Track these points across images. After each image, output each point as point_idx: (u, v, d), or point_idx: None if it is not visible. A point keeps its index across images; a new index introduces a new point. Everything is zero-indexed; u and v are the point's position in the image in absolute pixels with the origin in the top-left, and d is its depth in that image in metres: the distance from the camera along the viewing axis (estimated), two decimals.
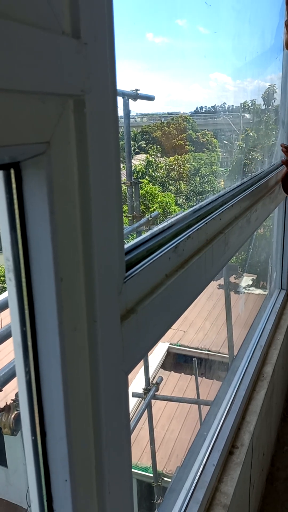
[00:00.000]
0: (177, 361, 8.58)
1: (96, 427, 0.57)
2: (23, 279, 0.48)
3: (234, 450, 1.41)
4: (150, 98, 3.72)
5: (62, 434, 0.52)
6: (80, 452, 0.55)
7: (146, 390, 3.97)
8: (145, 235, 0.81)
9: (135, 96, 3.42)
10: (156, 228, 0.84)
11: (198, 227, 0.96)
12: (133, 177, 3.61)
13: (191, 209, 1.02)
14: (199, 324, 8.88)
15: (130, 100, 3.81)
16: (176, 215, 0.95)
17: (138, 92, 3.47)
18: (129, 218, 3.53)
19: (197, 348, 8.29)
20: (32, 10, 0.39)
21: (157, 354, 8.45)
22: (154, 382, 4.03)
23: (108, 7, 0.52)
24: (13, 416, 2.08)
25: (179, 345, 8.68)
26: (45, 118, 0.43)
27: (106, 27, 0.51)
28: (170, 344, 8.72)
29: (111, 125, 0.54)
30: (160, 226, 0.85)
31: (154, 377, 8.34)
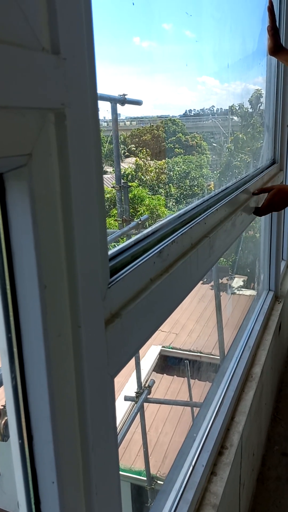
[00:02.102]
0: (169, 364, 8.59)
1: (82, 429, 0.58)
2: (8, 287, 0.49)
3: (224, 451, 1.42)
4: (137, 102, 3.74)
5: (48, 438, 0.54)
6: (66, 454, 0.56)
7: (138, 394, 3.98)
8: (129, 240, 0.82)
9: (123, 101, 3.44)
10: (140, 234, 0.86)
11: (183, 231, 0.98)
12: (122, 181, 3.62)
13: (176, 213, 1.04)
14: (191, 326, 8.91)
15: (118, 104, 3.84)
16: (161, 220, 0.97)
17: (126, 97, 3.49)
18: (119, 221, 3.54)
19: (189, 351, 8.31)
20: (11, 30, 0.40)
21: (149, 357, 8.46)
22: (146, 385, 4.04)
23: (87, 22, 0.54)
24: (3, 422, 2.07)
25: (171, 348, 8.70)
26: (26, 131, 0.45)
27: (85, 42, 0.53)
28: (162, 347, 8.73)
29: (92, 136, 0.56)
30: (144, 232, 0.87)
31: (147, 380, 8.34)
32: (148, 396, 3.99)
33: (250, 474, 1.77)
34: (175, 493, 1.18)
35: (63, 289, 0.53)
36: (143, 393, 3.93)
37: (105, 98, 3.45)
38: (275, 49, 1.86)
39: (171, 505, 1.14)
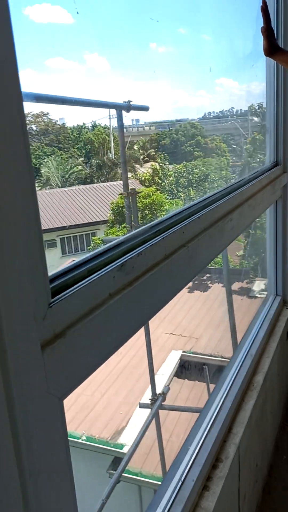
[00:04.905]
0: (190, 369, 8.51)
1: (18, 456, 0.56)
2: None
3: (218, 464, 1.39)
4: (144, 108, 3.73)
5: None
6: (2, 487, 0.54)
7: (153, 401, 3.95)
8: (87, 255, 0.81)
9: (128, 107, 3.44)
10: (102, 247, 0.84)
11: (153, 242, 0.95)
12: (129, 188, 3.62)
13: (149, 224, 1.01)
14: (211, 331, 8.81)
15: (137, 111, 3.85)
16: (127, 233, 0.95)
17: (131, 103, 3.49)
18: (128, 228, 3.53)
19: (211, 355, 8.21)
20: None
21: (169, 362, 8.40)
22: (160, 392, 4.00)
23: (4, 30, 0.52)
24: None
25: (192, 353, 8.62)
26: None
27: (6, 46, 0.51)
28: (183, 352, 8.67)
29: (21, 164, 0.54)
30: (106, 245, 0.85)
31: (168, 386, 8.28)
32: (163, 403, 3.95)
33: (253, 486, 1.72)
34: (161, 508, 1.15)
35: None
36: (157, 400, 3.89)
37: (110, 105, 3.45)
38: (271, 50, 1.82)
39: None
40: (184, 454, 1.34)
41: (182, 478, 1.24)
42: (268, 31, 1.79)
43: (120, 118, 3.52)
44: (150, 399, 4.00)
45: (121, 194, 3.59)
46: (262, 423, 1.82)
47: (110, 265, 0.81)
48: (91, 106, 3.43)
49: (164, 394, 3.99)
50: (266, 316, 2.20)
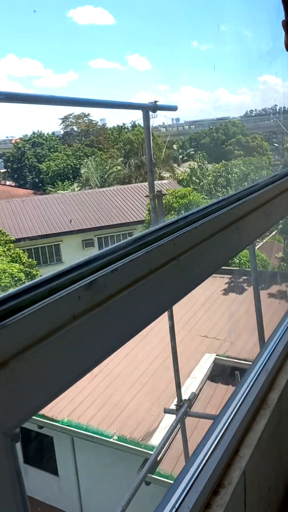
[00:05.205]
0: (224, 373, 8.35)
1: None
2: None
3: (220, 490, 1.30)
4: (172, 108, 3.65)
5: None
6: None
7: (178, 406, 3.87)
8: (51, 273, 0.75)
9: (154, 108, 3.37)
10: (70, 264, 0.78)
11: (134, 257, 0.88)
12: (156, 190, 3.55)
13: (132, 237, 0.95)
14: (247, 335, 8.60)
15: (164, 111, 3.78)
16: (95, 253, 0.88)
17: (158, 103, 3.42)
18: None
19: (245, 360, 8.02)
20: None
21: (202, 365, 8.28)
22: (186, 398, 3.92)
23: None
24: None
25: (226, 356, 8.45)
26: None
27: None
28: (217, 355, 8.52)
29: None
30: (75, 262, 0.79)
31: (201, 389, 8.16)
32: (189, 410, 3.86)
33: (265, 510, 1.61)
34: None
35: None
36: (183, 407, 3.81)
37: (135, 106, 3.40)
38: None
39: None
40: (182, 479, 1.26)
41: (176, 506, 1.16)
42: None
43: (146, 119, 3.46)
44: (175, 404, 3.93)
45: (147, 196, 3.52)
46: (276, 444, 1.71)
47: (77, 283, 0.75)
48: (116, 108, 3.39)
49: (190, 401, 3.90)
50: None
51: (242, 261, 12.17)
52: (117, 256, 0.88)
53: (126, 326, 0.86)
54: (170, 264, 0.98)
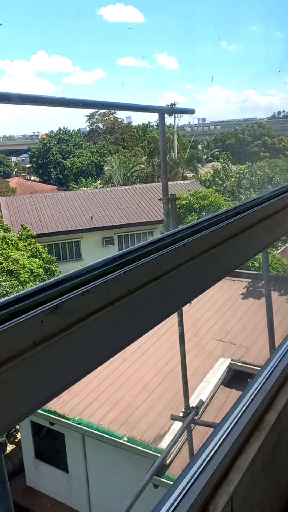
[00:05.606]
0: (239, 378, 8.23)
1: None
2: None
3: None
4: (189, 111, 3.59)
5: None
6: None
7: (185, 414, 3.81)
8: (13, 295, 0.72)
9: (171, 111, 3.32)
10: (35, 286, 0.75)
11: (110, 277, 0.85)
12: (169, 193, 3.50)
13: (110, 256, 0.91)
14: (263, 341, 8.46)
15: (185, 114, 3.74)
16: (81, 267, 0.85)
17: (175, 106, 3.37)
18: None
19: (260, 366, 7.88)
20: None
21: (217, 370, 8.19)
22: (194, 405, 3.86)
23: None
24: None
25: (241, 362, 8.33)
26: None
27: None
28: (232, 360, 8.40)
29: None
30: (41, 284, 0.76)
31: (214, 394, 8.06)
32: (195, 418, 3.81)
33: None
34: None
35: None
36: (189, 414, 3.75)
37: (150, 109, 3.35)
38: None
39: None
40: (165, 502, 1.22)
41: None
42: None
43: (162, 122, 3.41)
44: (182, 411, 3.87)
45: (160, 199, 3.48)
46: (272, 468, 1.65)
47: (40, 307, 0.72)
48: (130, 110, 3.35)
49: (197, 408, 3.84)
50: None
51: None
52: (92, 276, 0.84)
53: (98, 350, 0.82)
54: (151, 285, 0.94)
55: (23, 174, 36.08)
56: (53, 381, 0.73)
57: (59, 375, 0.74)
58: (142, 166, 23.78)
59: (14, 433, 10.03)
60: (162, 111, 3.33)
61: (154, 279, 0.96)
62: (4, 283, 11.56)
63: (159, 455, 6.77)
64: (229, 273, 1.33)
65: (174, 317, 3.97)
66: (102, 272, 0.86)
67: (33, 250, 14.06)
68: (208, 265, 1.15)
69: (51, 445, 9.01)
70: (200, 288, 1.12)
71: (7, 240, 13.26)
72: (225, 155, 17.82)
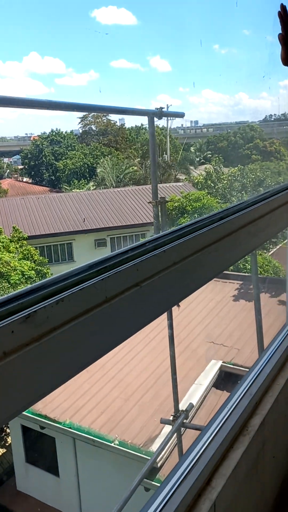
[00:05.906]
0: (230, 380, 8.23)
1: None
2: None
3: None
4: (179, 115, 3.60)
5: None
6: None
7: (175, 417, 3.80)
8: None
9: (160, 114, 3.32)
10: (5, 295, 0.74)
11: (86, 285, 0.84)
12: (159, 196, 3.49)
13: (87, 263, 0.90)
14: (253, 343, 8.48)
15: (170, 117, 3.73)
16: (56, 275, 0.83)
17: (163, 110, 3.36)
18: None
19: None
20: None
21: (208, 372, 8.18)
22: (184, 409, 3.85)
23: None
24: None
25: (233, 364, 8.34)
26: None
27: None
28: (223, 362, 8.41)
29: None
30: (13, 293, 0.74)
31: (205, 396, 8.05)
32: (185, 421, 3.80)
33: None
34: None
35: None
36: (179, 418, 3.74)
37: (139, 112, 3.35)
38: None
39: None
40: (146, 511, 1.20)
41: None
42: (286, 39, 1.62)
43: (151, 125, 3.41)
44: (172, 415, 3.86)
45: (150, 202, 3.48)
46: (256, 474, 1.64)
47: (11, 317, 0.71)
48: (121, 114, 3.35)
49: (187, 412, 3.83)
50: (278, 347, 2.00)
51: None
52: (67, 284, 0.83)
53: (73, 359, 0.81)
54: (130, 292, 0.93)
55: (15, 175, 35.94)
56: (24, 393, 0.71)
57: (30, 387, 0.72)
58: (135, 168, 23.81)
59: (5, 437, 9.96)
60: (151, 114, 3.33)
61: (133, 286, 0.95)
62: None
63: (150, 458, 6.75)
64: (212, 279, 1.32)
65: (165, 320, 3.96)
66: (78, 279, 0.85)
67: (24, 252, 13.98)
68: (190, 270, 1.14)
69: (42, 449, 8.95)
70: (182, 294, 1.11)
71: None
72: (217, 157, 17.88)
